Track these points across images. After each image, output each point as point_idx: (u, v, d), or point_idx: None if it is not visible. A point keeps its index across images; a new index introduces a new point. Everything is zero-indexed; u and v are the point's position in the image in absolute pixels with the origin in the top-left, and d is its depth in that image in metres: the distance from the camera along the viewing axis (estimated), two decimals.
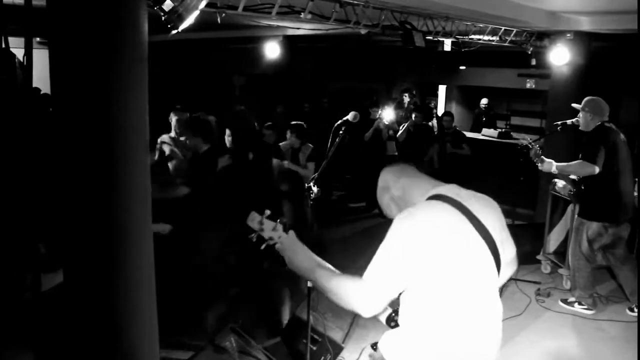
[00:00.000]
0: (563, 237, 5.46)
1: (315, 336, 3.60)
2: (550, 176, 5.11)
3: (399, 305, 1.80)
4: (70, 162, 2.33)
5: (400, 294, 1.76)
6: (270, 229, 1.92)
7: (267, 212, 1.94)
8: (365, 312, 1.69)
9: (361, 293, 1.67)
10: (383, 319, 1.93)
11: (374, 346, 1.91)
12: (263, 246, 1.94)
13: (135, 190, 2.41)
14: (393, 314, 1.88)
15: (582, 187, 4.48)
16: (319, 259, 1.87)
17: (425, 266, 1.66)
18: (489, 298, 1.77)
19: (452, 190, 1.82)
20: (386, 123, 7.55)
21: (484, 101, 9.95)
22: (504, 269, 1.88)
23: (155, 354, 2.64)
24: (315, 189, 3.49)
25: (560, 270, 5.28)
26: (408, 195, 1.90)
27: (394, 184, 1.94)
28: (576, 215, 4.72)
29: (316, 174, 3.64)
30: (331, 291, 1.73)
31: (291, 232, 1.93)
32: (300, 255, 1.87)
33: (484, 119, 9.78)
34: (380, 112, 7.55)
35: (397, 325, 1.85)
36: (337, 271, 1.82)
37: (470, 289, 1.71)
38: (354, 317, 4.07)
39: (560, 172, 4.49)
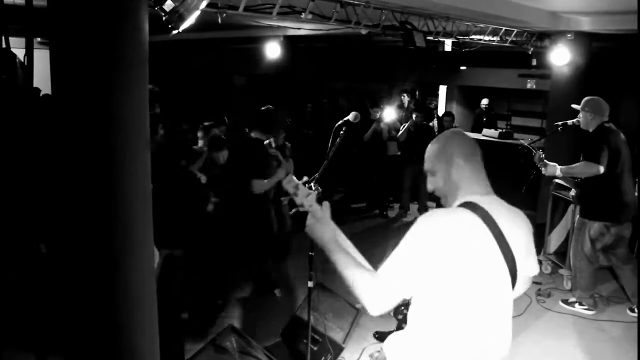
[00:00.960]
0: (563, 237, 5.46)
1: (316, 336, 3.60)
2: (551, 177, 5.11)
3: (408, 299, 1.78)
4: (70, 162, 2.33)
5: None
6: (304, 195, 1.89)
7: (305, 178, 1.91)
8: (373, 311, 1.68)
9: (374, 291, 1.66)
10: (391, 311, 1.90)
11: (376, 334, 1.89)
12: (293, 211, 1.92)
13: (136, 190, 2.41)
14: (402, 307, 1.86)
15: (584, 188, 4.48)
16: (343, 240, 1.84)
17: (438, 271, 1.65)
18: (499, 310, 1.75)
19: (486, 200, 1.79)
20: (387, 122, 7.54)
21: (484, 101, 9.87)
22: (520, 285, 1.87)
23: (156, 354, 2.64)
24: (315, 189, 3.48)
25: (561, 271, 5.28)
26: (454, 191, 1.84)
27: (457, 167, 1.83)
28: (578, 216, 4.72)
29: (317, 174, 3.63)
30: (346, 278, 1.70)
31: (325, 204, 1.88)
32: (324, 228, 1.81)
33: (484, 119, 9.72)
34: (380, 112, 7.55)
35: (403, 319, 1.83)
36: (359, 257, 1.80)
37: (481, 299, 1.70)
38: (355, 317, 4.07)
39: (565, 174, 4.48)
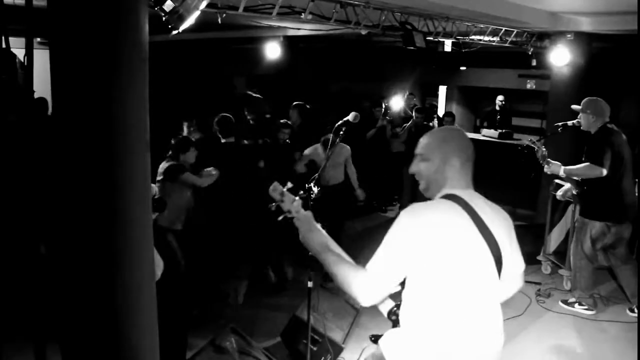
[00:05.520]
0: (563, 237, 5.46)
1: (316, 336, 3.60)
2: (551, 176, 5.11)
3: (400, 300, 1.84)
4: (70, 162, 2.33)
5: (401, 290, 1.80)
6: (290, 202, 1.97)
7: (289, 184, 1.98)
8: (364, 300, 1.75)
9: (362, 281, 1.73)
10: (385, 312, 1.96)
11: (372, 338, 1.93)
12: (281, 217, 2.00)
13: (136, 190, 2.41)
14: (395, 308, 1.92)
15: (585, 187, 4.48)
16: (331, 242, 1.93)
17: (424, 261, 1.70)
18: (488, 299, 1.79)
19: (467, 193, 1.84)
20: (395, 112, 7.58)
21: (500, 98, 9.10)
22: (511, 283, 1.94)
23: (156, 354, 2.64)
24: (315, 189, 3.48)
25: (561, 271, 5.27)
26: (440, 184, 1.89)
27: (451, 165, 1.87)
28: (578, 216, 4.72)
29: (317, 174, 3.63)
30: (336, 275, 1.79)
31: (308, 212, 1.98)
32: (313, 234, 1.93)
33: (498, 117, 9.06)
34: (383, 110, 7.56)
35: (397, 319, 1.89)
36: (346, 257, 1.88)
37: (468, 288, 1.74)
38: (354, 318, 4.07)
39: (568, 175, 4.49)
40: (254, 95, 6.30)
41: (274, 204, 2.00)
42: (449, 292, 1.72)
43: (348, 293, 1.77)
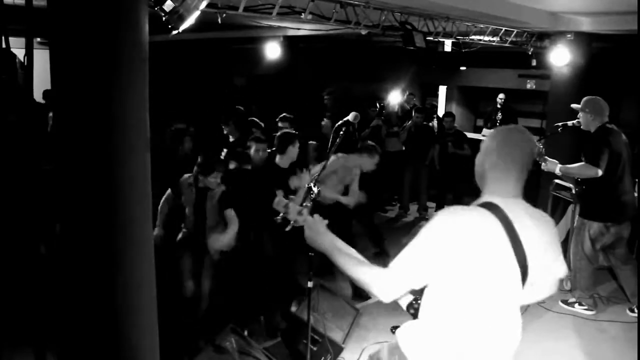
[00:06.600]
0: (563, 237, 5.46)
1: (316, 336, 3.60)
2: (551, 177, 5.11)
3: (420, 293, 1.86)
4: (70, 162, 2.33)
5: (424, 286, 1.82)
6: (295, 212, 2.05)
7: (292, 197, 2.02)
8: (385, 298, 1.77)
9: (383, 279, 1.76)
10: (404, 305, 1.99)
11: (393, 329, 1.97)
12: (288, 227, 2.08)
13: (136, 190, 2.41)
14: (414, 302, 1.96)
15: (584, 187, 4.48)
16: (341, 244, 1.96)
17: (449, 265, 1.72)
18: (507, 306, 1.81)
19: (508, 202, 1.83)
20: (394, 107, 7.57)
21: (501, 96, 8.87)
22: (545, 288, 1.93)
23: (156, 354, 2.64)
24: (315, 189, 3.48)
25: None
26: (482, 182, 1.91)
27: (491, 162, 1.87)
28: (577, 216, 4.72)
29: (317, 174, 3.63)
30: (352, 276, 1.82)
31: (316, 216, 2.00)
32: (323, 237, 1.95)
33: (499, 115, 8.79)
34: (381, 104, 7.57)
35: (416, 312, 1.92)
36: (359, 256, 1.92)
37: (488, 294, 1.75)
38: (354, 318, 4.07)
39: (564, 173, 4.50)
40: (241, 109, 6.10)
41: (279, 216, 2.05)
42: (468, 296, 1.74)
43: (368, 290, 1.80)
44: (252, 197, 3.90)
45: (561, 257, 1.94)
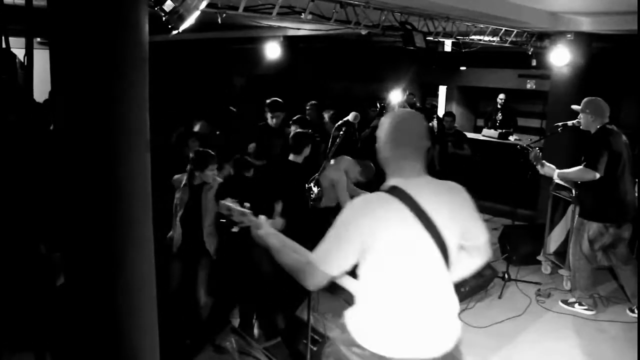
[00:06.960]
0: (563, 237, 5.46)
1: (316, 336, 3.60)
2: (550, 177, 5.11)
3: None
4: (70, 162, 2.33)
5: (355, 270, 1.95)
6: (239, 214, 2.13)
7: (229, 199, 2.14)
8: (309, 286, 1.93)
9: (307, 269, 1.89)
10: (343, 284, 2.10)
11: None
12: (235, 228, 2.16)
13: (136, 190, 2.41)
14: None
15: (583, 189, 4.49)
16: (287, 241, 2.07)
17: (364, 251, 1.84)
18: (436, 278, 1.91)
19: (408, 182, 1.92)
20: (396, 105, 7.58)
21: (501, 96, 8.81)
22: (476, 255, 2.07)
23: (156, 354, 2.64)
24: (315, 189, 3.48)
25: (561, 271, 5.27)
26: (385, 167, 2.02)
27: (387, 147, 1.98)
28: (577, 216, 4.72)
29: (317, 174, 3.63)
30: (285, 265, 1.97)
31: (261, 217, 2.14)
32: (269, 237, 2.07)
33: (500, 115, 8.76)
34: (382, 104, 7.57)
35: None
36: (301, 250, 2.03)
37: (413, 271, 1.87)
38: None
39: (562, 178, 4.52)
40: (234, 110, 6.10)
41: (225, 219, 2.14)
42: (393, 276, 1.86)
43: (298, 281, 1.94)
44: (266, 193, 3.97)
45: (480, 220, 2.03)
